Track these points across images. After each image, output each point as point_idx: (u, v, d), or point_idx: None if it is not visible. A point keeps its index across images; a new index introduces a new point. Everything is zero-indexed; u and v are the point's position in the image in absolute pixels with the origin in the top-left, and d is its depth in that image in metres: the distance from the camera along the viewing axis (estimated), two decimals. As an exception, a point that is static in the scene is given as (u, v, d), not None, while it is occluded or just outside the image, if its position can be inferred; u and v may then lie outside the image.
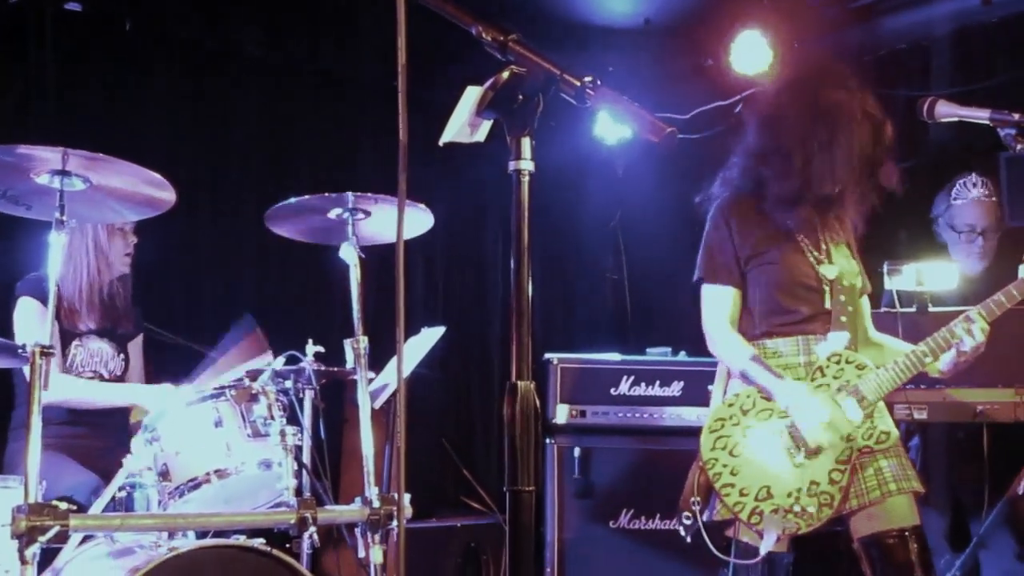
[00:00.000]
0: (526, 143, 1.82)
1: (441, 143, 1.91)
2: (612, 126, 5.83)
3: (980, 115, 2.93)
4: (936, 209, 4.35)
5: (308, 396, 3.81)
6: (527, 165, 1.83)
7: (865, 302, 3.33)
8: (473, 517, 4.75)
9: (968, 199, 4.21)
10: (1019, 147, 2.84)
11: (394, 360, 4.04)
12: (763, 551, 2.94)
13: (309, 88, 5.47)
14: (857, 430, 2.99)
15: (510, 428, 1.73)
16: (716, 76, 5.47)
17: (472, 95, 1.83)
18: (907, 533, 2.97)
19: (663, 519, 4.69)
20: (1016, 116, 2.85)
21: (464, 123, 1.85)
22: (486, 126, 1.88)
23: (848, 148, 3.07)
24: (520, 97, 1.79)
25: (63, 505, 2.60)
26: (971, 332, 3.04)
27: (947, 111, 3.02)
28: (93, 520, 2.80)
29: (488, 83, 1.80)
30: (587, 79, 1.76)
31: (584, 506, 4.70)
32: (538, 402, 1.74)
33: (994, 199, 4.15)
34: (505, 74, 1.79)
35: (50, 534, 2.55)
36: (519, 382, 1.74)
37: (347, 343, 3.22)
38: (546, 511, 4.47)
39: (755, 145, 3.20)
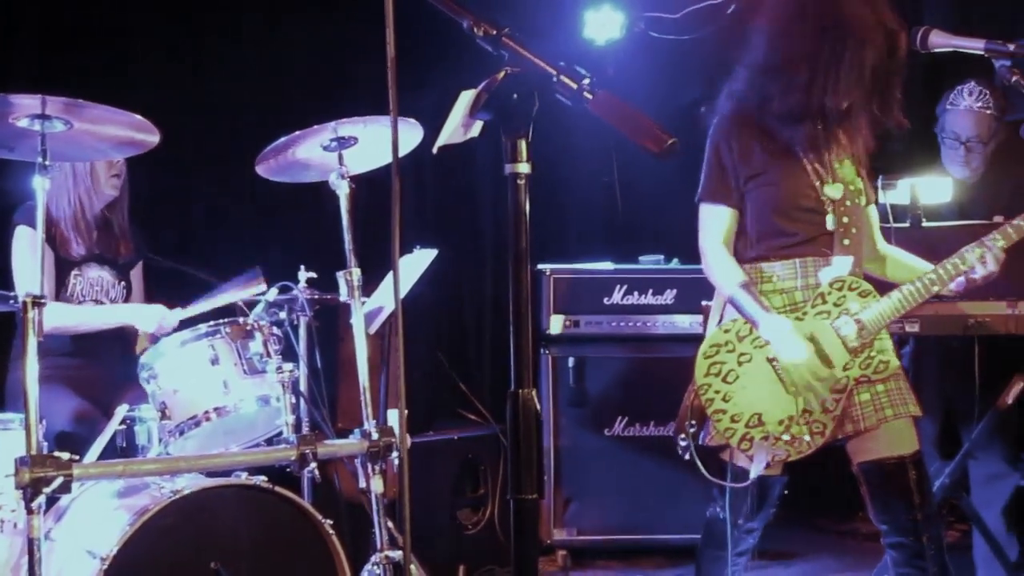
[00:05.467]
0: (522, 145, 1.74)
1: (435, 150, 1.85)
2: (602, 25, 5.65)
3: (975, 45, 2.85)
4: (937, 111, 4.28)
5: (303, 322, 3.81)
6: (524, 168, 1.75)
7: (873, 213, 3.25)
8: (470, 429, 4.80)
9: (959, 107, 4.12)
10: (1014, 79, 2.77)
11: (385, 282, 4.03)
12: (752, 475, 2.98)
13: (295, 15, 5.31)
14: (853, 361, 2.97)
15: (513, 436, 1.70)
16: (708, -26, 5.32)
17: (465, 99, 1.76)
18: (906, 460, 2.98)
19: (657, 426, 4.78)
20: (1011, 47, 2.76)
21: (457, 126, 1.79)
22: (479, 124, 1.82)
23: (858, 62, 2.94)
24: (515, 96, 1.71)
25: (65, 455, 2.62)
26: (984, 259, 2.98)
27: (941, 41, 2.94)
28: (96, 468, 2.83)
29: (482, 85, 1.72)
30: (585, 81, 1.68)
31: (579, 415, 4.78)
32: (539, 408, 1.72)
33: (989, 111, 4.06)
34: (500, 75, 1.71)
35: (54, 485, 2.57)
36: (520, 390, 1.71)
37: (340, 275, 3.21)
38: (542, 421, 4.52)
39: (761, 58, 3.06)
